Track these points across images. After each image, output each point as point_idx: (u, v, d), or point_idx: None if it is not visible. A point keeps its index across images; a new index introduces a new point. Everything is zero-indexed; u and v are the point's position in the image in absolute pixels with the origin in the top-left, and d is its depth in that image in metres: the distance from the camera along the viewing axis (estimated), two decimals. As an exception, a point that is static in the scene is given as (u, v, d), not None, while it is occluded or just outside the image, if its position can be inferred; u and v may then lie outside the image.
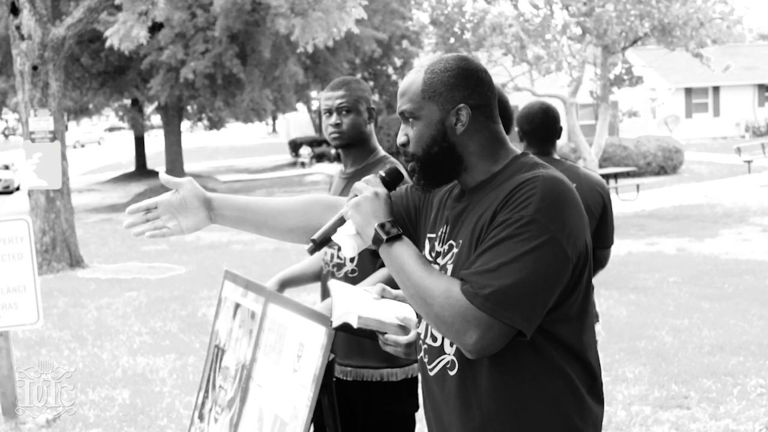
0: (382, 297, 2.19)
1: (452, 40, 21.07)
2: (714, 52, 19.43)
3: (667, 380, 5.86)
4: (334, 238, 1.96)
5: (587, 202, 3.58)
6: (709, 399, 5.46)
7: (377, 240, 1.87)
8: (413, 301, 1.80)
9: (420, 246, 2.01)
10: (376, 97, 33.95)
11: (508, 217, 1.73)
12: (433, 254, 1.96)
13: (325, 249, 3.26)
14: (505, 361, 1.78)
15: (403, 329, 2.09)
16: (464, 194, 1.92)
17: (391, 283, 2.83)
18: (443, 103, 1.85)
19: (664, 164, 27.03)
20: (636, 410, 5.27)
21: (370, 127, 3.17)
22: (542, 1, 18.13)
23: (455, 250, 1.86)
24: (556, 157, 3.77)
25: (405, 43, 29.31)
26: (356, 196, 1.94)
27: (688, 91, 37.23)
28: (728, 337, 7.04)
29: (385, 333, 2.09)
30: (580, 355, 1.82)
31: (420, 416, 3.20)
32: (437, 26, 21.31)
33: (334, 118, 3.10)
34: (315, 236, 1.98)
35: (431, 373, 1.92)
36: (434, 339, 1.91)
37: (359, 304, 2.10)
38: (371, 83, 32.80)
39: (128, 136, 48.67)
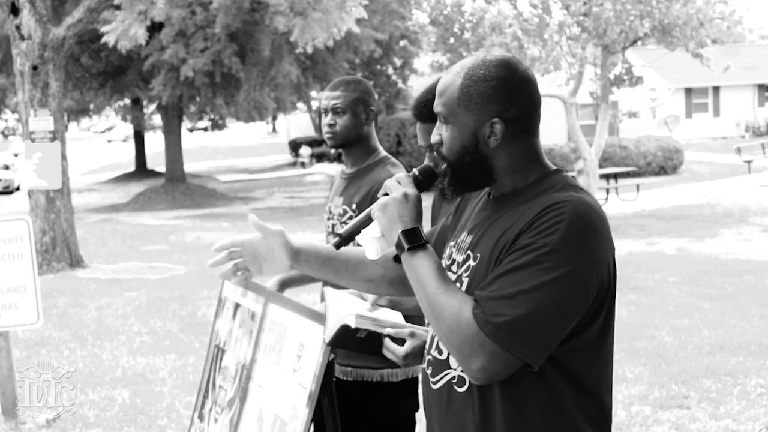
0: (377, 305, 2.19)
1: (452, 40, 21.08)
2: (714, 52, 19.44)
3: (667, 380, 5.86)
4: (357, 238, 1.91)
5: None
6: (709, 399, 5.46)
7: (399, 247, 1.80)
8: (426, 315, 1.76)
9: None
10: (375, 98, 33.76)
11: (532, 242, 1.66)
12: (449, 261, 1.90)
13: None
14: (512, 388, 1.72)
15: (399, 336, 2.09)
16: (489, 203, 1.87)
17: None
18: (478, 115, 1.77)
19: (664, 164, 27.04)
20: (636, 410, 5.27)
21: (369, 128, 3.17)
22: (539, 0, 18.14)
23: (471, 262, 1.80)
24: None
25: (404, 43, 29.33)
26: (386, 194, 1.86)
27: (688, 91, 37.23)
28: (728, 337, 7.04)
29: (385, 337, 2.09)
30: (591, 390, 1.75)
31: (420, 416, 3.20)
32: (437, 26, 21.32)
33: (328, 118, 3.12)
34: (342, 231, 1.94)
35: (434, 386, 1.87)
36: (440, 352, 1.86)
37: (353, 311, 2.10)
38: (371, 83, 32.62)
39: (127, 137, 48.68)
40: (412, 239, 1.78)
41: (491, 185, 1.84)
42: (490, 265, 1.74)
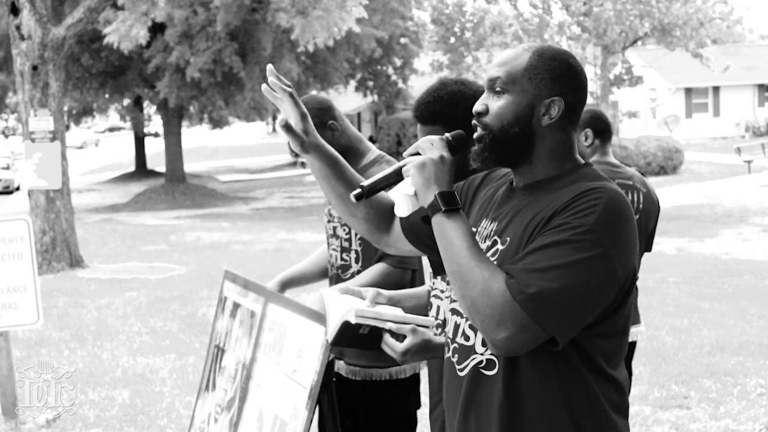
0: (376, 303, 2.19)
1: (452, 39, 21.11)
2: (714, 52, 19.47)
3: (667, 380, 5.86)
4: (390, 193, 1.90)
5: (655, 206, 3.82)
6: (709, 399, 5.46)
7: (434, 208, 1.79)
8: (454, 280, 1.75)
9: None
10: (375, 98, 33.79)
11: (567, 222, 1.69)
12: None
13: (329, 251, 3.23)
14: (537, 370, 1.75)
15: (398, 334, 2.09)
16: (514, 191, 1.88)
17: (382, 284, 2.81)
18: (541, 89, 1.80)
19: (664, 164, 27.04)
20: (636, 410, 5.27)
21: (345, 137, 3.08)
22: (539, 1, 18.18)
23: (500, 246, 1.81)
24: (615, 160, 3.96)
25: (404, 41, 29.30)
26: (417, 154, 1.85)
27: (688, 91, 37.23)
28: (728, 337, 7.04)
29: (386, 332, 2.09)
30: (611, 374, 1.79)
31: (420, 415, 3.20)
32: (438, 26, 21.35)
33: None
34: (365, 182, 1.90)
35: (461, 374, 1.87)
36: (467, 338, 1.86)
37: (353, 308, 2.10)
38: (371, 83, 32.67)
39: (128, 137, 48.60)
40: (449, 202, 1.78)
41: (523, 166, 1.85)
42: (520, 245, 1.76)
